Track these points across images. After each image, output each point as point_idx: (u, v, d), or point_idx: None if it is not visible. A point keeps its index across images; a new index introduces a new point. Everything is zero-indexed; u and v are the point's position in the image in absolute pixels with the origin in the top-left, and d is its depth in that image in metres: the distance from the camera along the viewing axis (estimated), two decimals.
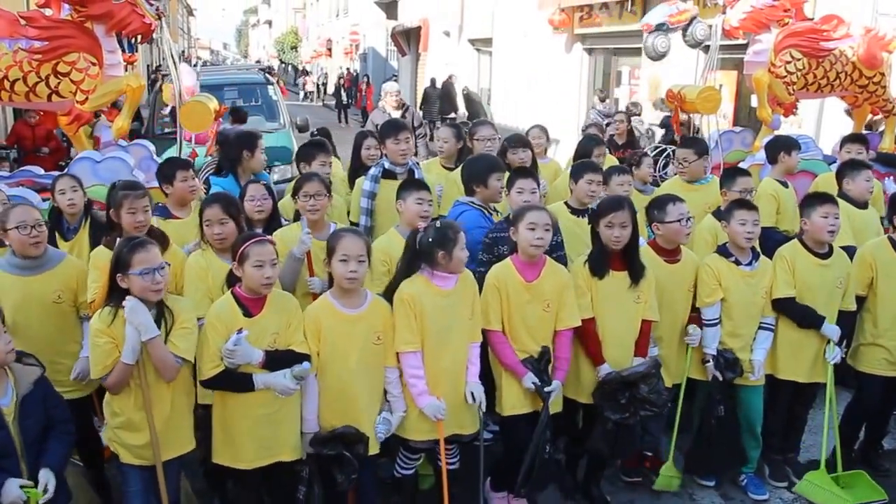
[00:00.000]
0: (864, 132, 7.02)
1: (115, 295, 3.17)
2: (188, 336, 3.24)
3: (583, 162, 4.79)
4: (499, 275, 3.76)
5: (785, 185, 5.45)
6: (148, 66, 27.11)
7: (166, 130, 9.55)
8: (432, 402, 3.52)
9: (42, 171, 5.45)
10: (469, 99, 13.33)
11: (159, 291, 3.16)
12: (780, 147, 5.47)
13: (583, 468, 4.28)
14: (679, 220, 4.04)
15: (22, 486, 2.83)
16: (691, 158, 5.26)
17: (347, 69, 31.65)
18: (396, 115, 8.92)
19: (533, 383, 3.69)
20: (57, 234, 4.35)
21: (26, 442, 2.93)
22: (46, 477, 2.91)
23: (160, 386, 3.22)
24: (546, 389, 3.68)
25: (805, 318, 4.18)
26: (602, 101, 13.48)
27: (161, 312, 3.19)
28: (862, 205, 4.97)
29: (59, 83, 5.26)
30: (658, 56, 9.53)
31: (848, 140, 5.78)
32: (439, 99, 19.44)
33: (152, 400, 3.20)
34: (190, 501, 3.65)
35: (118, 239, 3.54)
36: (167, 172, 4.43)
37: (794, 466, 4.47)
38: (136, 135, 8.19)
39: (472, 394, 3.62)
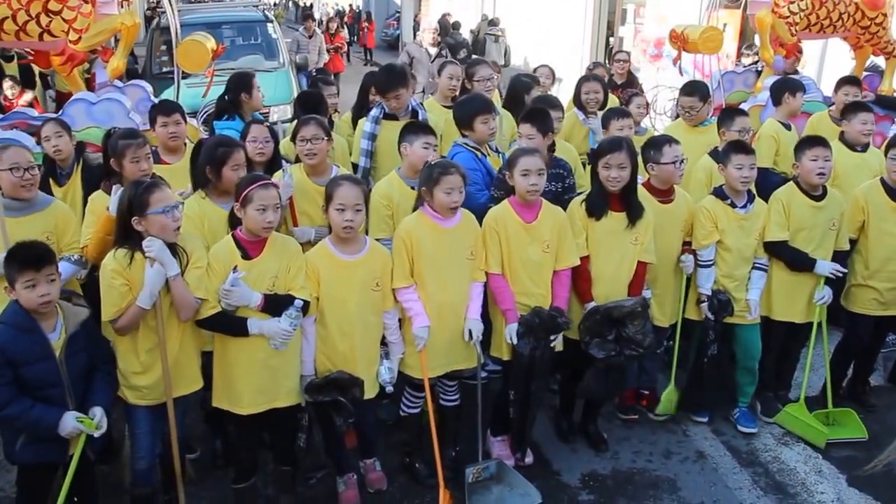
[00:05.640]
0: (865, 73, 6.95)
1: (130, 239, 3.16)
2: (202, 276, 3.25)
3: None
4: (497, 217, 3.76)
5: (788, 127, 5.43)
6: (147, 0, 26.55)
7: (164, 70, 9.45)
8: (422, 326, 3.57)
9: (36, 113, 5.38)
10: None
11: (178, 230, 3.18)
12: (786, 89, 5.45)
13: (579, 408, 4.37)
14: (674, 162, 4.04)
15: (77, 418, 2.98)
16: (697, 105, 5.22)
17: (350, 6, 30.99)
18: (433, 51, 8.82)
19: (511, 338, 3.71)
20: (51, 180, 4.31)
21: (72, 376, 3.04)
22: (101, 414, 3.05)
23: (171, 326, 3.26)
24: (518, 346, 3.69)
25: (796, 260, 4.22)
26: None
27: (175, 252, 3.19)
28: (861, 147, 4.96)
29: (50, 22, 5.09)
30: None
31: (844, 82, 5.72)
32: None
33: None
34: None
35: (116, 185, 3.52)
36: (151, 116, 4.35)
37: (785, 403, 4.55)
38: (134, 75, 8.08)
39: (470, 331, 3.67)
